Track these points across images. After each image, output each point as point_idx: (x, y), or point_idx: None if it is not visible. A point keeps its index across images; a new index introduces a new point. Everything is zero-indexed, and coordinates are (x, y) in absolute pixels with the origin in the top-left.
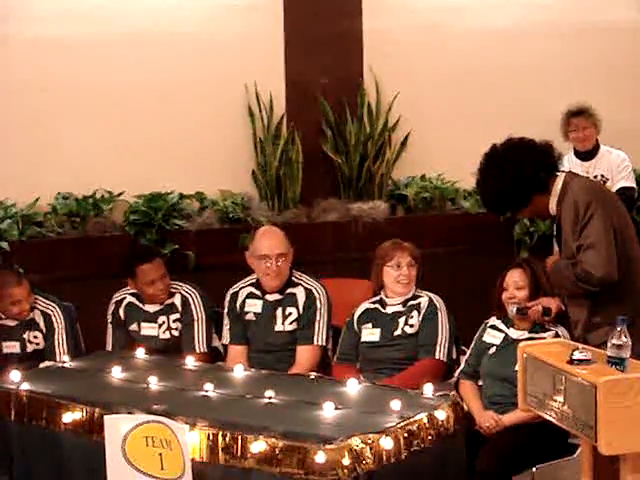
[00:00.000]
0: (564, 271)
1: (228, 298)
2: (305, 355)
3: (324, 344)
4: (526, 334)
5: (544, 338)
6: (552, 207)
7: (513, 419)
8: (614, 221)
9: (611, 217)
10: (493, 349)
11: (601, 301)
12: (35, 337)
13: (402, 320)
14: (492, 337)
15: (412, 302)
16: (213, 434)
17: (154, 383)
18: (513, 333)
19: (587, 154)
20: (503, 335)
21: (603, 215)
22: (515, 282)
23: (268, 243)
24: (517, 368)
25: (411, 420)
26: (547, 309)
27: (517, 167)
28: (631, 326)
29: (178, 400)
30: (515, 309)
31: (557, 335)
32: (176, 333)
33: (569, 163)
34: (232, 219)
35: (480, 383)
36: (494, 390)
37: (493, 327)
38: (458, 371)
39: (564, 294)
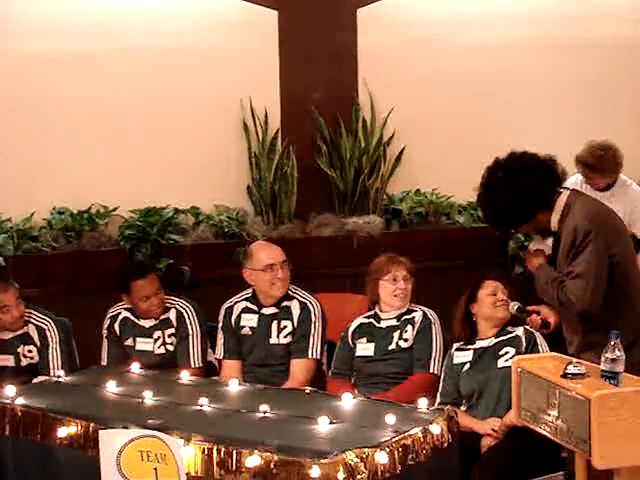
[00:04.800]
0: (549, 287)
1: (222, 313)
2: (299, 369)
3: (318, 358)
4: (493, 340)
5: (515, 337)
6: (554, 224)
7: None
8: (614, 250)
9: (609, 248)
10: (467, 366)
11: (597, 326)
12: (30, 351)
13: (396, 334)
14: (462, 357)
15: (406, 316)
16: (208, 448)
17: (149, 398)
18: (481, 343)
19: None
20: (472, 351)
21: (600, 246)
22: (502, 287)
23: (270, 252)
24: (499, 365)
25: (406, 434)
26: (547, 322)
27: (521, 183)
28: (632, 346)
29: (173, 415)
30: (516, 307)
31: (527, 331)
32: (171, 348)
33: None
34: (227, 234)
35: (463, 408)
36: (483, 400)
37: (459, 349)
38: (437, 403)
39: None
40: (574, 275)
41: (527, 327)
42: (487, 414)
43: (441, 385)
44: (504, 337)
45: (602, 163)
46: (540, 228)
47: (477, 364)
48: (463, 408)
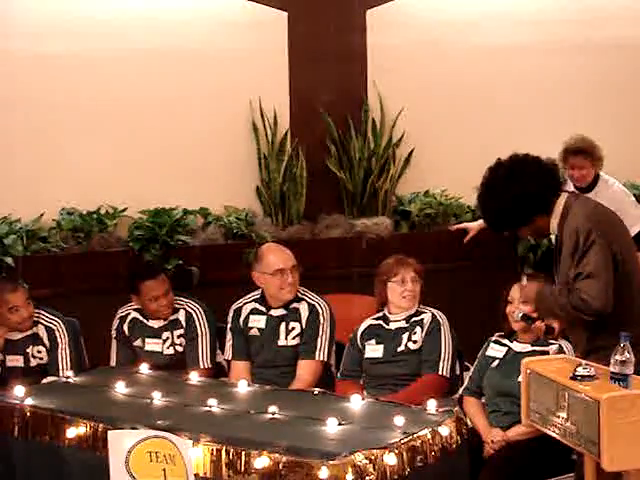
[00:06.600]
0: (557, 298)
1: (231, 314)
2: (306, 370)
3: (326, 359)
4: (529, 347)
5: (547, 352)
6: (553, 227)
7: (515, 434)
8: (615, 249)
9: (611, 246)
10: (496, 362)
11: (601, 328)
12: (39, 352)
13: (405, 336)
14: (496, 351)
15: (415, 318)
16: (217, 449)
17: (158, 398)
18: (516, 346)
19: (584, 187)
20: (506, 349)
21: (603, 244)
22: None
23: (281, 257)
24: (519, 380)
25: (414, 436)
26: (550, 328)
27: (522, 186)
28: (636, 347)
29: (182, 415)
30: (520, 315)
31: (561, 348)
32: (180, 349)
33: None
34: (236, 235)
35: (484, 400)
36: (497, 404)
37: (497, 342)
38: (462, 388)
39: (552, 319)
40: (585, 275)
41: (561, 345)
42: (496, 418)
43: (472, 369)
44: (538, 348)
45: (592, 147)
46: (538, 231)
47: (505, 365)
48: (484, 400)
